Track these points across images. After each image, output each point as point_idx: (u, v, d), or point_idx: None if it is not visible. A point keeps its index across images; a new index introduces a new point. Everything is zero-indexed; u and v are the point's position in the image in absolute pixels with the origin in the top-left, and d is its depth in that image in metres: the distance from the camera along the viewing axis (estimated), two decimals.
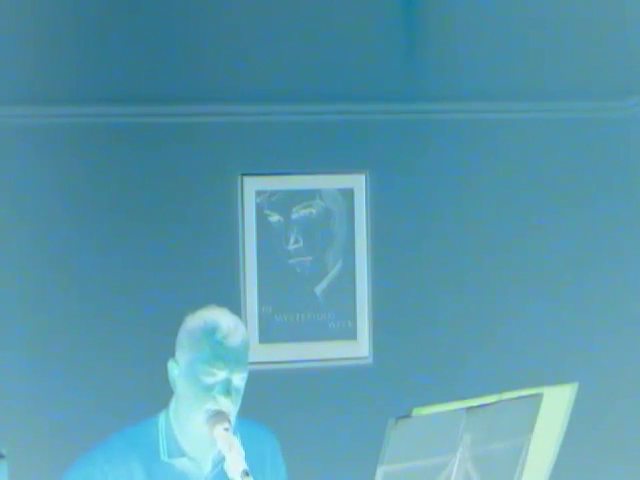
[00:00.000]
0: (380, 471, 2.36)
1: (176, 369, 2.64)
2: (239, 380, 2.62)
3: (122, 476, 2.60)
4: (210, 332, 2.61)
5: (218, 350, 2.59)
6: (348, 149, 4.53)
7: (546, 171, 4.65)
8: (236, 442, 2.52)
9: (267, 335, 4.42)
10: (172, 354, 2.69)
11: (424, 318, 4.55)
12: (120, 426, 2.74)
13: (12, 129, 4.28)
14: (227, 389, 2.59)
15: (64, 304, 4.30)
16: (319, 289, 4.50)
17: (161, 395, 2.75)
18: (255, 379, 2.73)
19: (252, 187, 4.44)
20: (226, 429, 2.54)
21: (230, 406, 2.60)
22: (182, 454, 2.65)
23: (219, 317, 2.65)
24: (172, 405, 2.69)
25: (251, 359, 2.69)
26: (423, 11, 4.56)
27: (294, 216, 4.49)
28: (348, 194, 4.53)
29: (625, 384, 4.63)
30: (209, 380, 2.59)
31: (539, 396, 2.63)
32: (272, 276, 4.46)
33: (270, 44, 4.45)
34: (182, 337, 2.66)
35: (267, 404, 4.13)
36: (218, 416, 2.56)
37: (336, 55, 4.50)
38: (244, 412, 2.72)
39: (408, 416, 2.38)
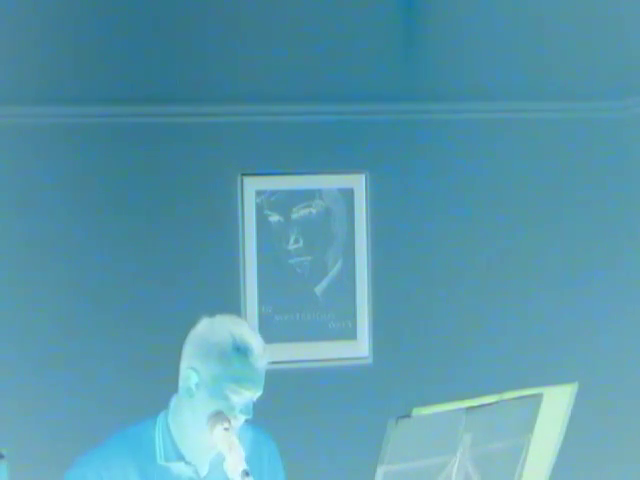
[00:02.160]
0: (380, 471, 2.36)
1: (195, 378, 2.61)
2: (256, 397, 2.64)
3: (116, 478, 2.60)
4: (243, 352, 2.59)
5: (250, 373, 2.60)
6: (348, 149, 4.53)
7: (546, 171, 4.65)
8: (236, 442, 2.52)
9: (267, 335, 4.36)
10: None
11: (424, 318, 4.55)
12: (119, 427, 2.73)
13: (12, 129, 4.28)
14: (250, 408, 2.61)
15: (64, 303, 4.30)
16: (319, 289, 4.50)
17: (161, 396, 2.75)
18: None
19: (252, 187, 4.44)
20: (226, 429, 2.54)
21: (243, 420, 2.62)
22: (179, 458, 2.65)
23: (248, 336, 2.63)
24: (172, 408, 2.68)
25: None
26: (423, 11, 4.56)
27: (294, 216, 4.49)
28: (348, 194, 4.53)
29: (625, 384, 4.63)
30: (236, 399, 2.59)
31: (539, 396, 2.63)
32: (272, 276, 4.46)
33: (270, 44, 4.45)
34: (206, 348, 2.62)
35: (267, 404, 4.12)
36: (218, 416, 2.56)
37: (336, 55, 4.50)
38: None
39: (408, 416, 2.38)
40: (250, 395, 2.60)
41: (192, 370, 2.61)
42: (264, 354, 2.63)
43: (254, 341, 2.63)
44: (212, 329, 2.64)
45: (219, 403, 2.58)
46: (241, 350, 2.59)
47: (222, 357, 2.59)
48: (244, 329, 2.65)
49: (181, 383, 2.64)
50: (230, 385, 2.58)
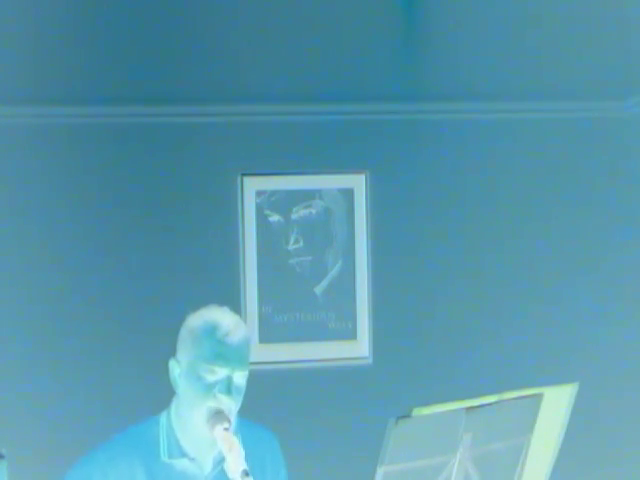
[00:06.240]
0: (380, 471, 2.36)
1: (177, 368, 2.65)
2: (240, 378, 2.63)
3: (123, 476, 2.61)
4: (210, 330, 2.63)
5: (218, 348, 2.61)
6: (348, 149, 4.53)
7: (546, 171, 4.65)
8: (236, 442, 2.52)
9: (267, 335, 4.42)
10: (173, 353, 2.69)
11: (424, 318, 4.55)
12: (121, 426, 2.74)
13: (12, 129, 4.28)
14: (228, 387, 2.60)
15: (64, 303, 4.30)
16: (319, 289, 4.50)
17: (162, 395, 2.75)
18: (255, 379, 2.73)
19: (252, 187, 4.45)
20: (226, 429, 2.54)
21: (231, 404, 2.61)
22: (183, 454, 2.66)
23: (219, 316, 2.67)
24: (173, 405, 2.70)
25: (251, 359, 2.69)
26: (423, 11, 4.56)
27: (294, 216, 4.49)
28: (348, 194, 4.53)
29: (625, 384, 4.63)
30: (210, 378, 2.59)
31: (539, 396, 2.63)
32: (272, 276, 4.46)
33: (270, 44, 4.45)
34: (183, 336, 2.68)
35: (267, 404, 4.13)
36: (218, 416, 2.56)
37: (336, 55, 4.50)
38: (244, 412, 2.72)
39: (408, 416, 2.38)
40: (225, 372, 2.60)
41: (174, 361, 2.67)
42: (237, 330, 2.64)
43: (223, 319, 2.66)
44: (190, 320, 2.69)
45: (195, 385, 2.60)
46: (209, 329, 2.63)
47: (194, 341, 2.64)
48: (216, 312, 2.69)
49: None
50: (202, 365, 2.60)
